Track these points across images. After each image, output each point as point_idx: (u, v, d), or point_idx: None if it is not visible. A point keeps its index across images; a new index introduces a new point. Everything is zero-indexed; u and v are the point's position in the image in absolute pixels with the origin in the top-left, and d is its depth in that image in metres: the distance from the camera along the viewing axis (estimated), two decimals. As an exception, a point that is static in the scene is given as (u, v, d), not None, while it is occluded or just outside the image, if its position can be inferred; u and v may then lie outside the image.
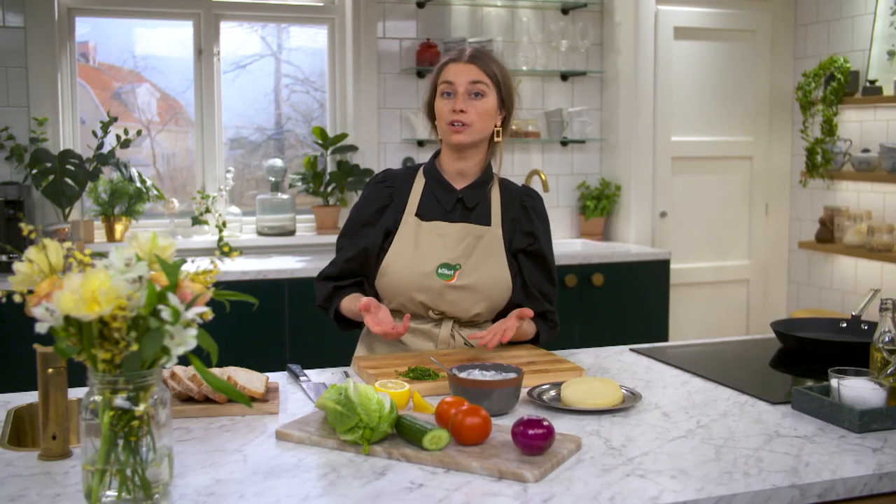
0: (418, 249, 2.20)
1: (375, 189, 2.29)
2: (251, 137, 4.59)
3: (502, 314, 2.25)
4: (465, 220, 2.24)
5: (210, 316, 1.27)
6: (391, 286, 2.21)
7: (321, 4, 4.50)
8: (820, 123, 4.55)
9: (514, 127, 4.58)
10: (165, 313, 1.22)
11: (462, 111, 2.16)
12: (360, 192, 2.33)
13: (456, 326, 2.24)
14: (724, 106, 4.85)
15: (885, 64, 4.30)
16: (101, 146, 4.03)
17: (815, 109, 4.57)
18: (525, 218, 2.30)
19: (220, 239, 4.14)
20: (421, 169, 2.31)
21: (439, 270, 2.19)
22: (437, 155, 2.32)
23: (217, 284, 1.35)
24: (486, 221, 2.25)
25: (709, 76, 4.80)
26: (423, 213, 2.24)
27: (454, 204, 2.25)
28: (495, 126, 2.24)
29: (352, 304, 2.20)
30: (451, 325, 2.23)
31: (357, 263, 2.25)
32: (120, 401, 1.28)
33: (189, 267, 1.33)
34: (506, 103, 2.24)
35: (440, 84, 2.21)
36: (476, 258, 2.21)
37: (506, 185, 2.33)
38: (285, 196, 4.37)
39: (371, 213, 2.27)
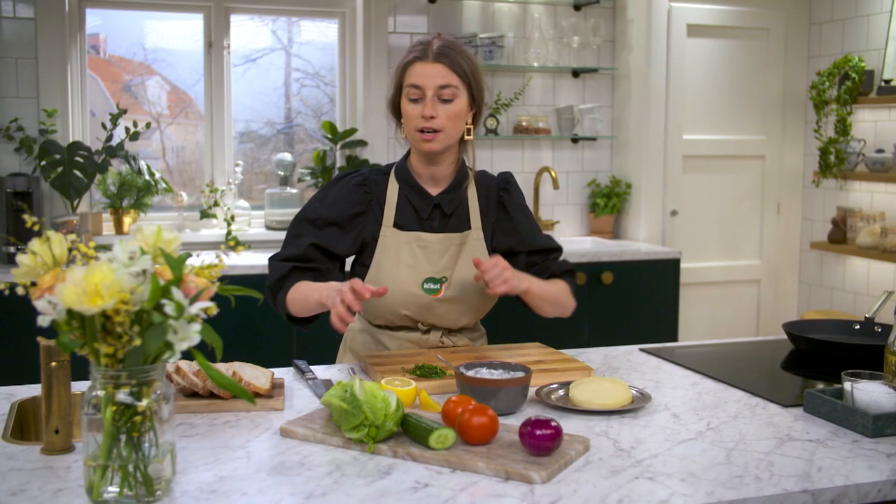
0: (400, 265, 2.10)
1: (354, 191, 2.14)
2: (261, 131, 4.57)
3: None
4: (444, 228, 2.13)
5: (215, 311, 1.25)
6: (376, 304, 2.12)
7: (332, -2, 4.49)
8: (833, 123, 4.51)
9: (524, 123, 4.60)
10: (169, 308, 1.20)
11: (432, 117, 2.02)
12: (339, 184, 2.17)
13: (445, 333, 2.19)
14: (736, 104, 4.81)
15: (900, 63, 4.26)
16: (110, 138, 4.02)
17: (829, 109, 4.53)
18: (505, 217, 2.18)
19: (229, 233, 4.13)
20: (393, 172, 2.17)
21: (425, 285, 2.10)
22: (407, 155, 2.18)
23: (224, 279, 1.33)
24: (466, 224, 2.15)
25: (721, 74, 4.76)
26: (401, 223, 2.12)
27: (431, 211, 2.13)
28: (466, 124, 2.10)
29: (312, 292, 2.01)
30: (440, 333, 2.18)
31: (319, 253, 2.10)
32: (122, 396, 1.26)
33: (194, 261, 1.31)
34: (476, 99, 2.10)
35: (406, 87, 2.06)
36: (461, 268, 2.12)
37: (482, 180, 2.20)
38: (294, 190, 4.36)
39: (344, 217, 2.12)
